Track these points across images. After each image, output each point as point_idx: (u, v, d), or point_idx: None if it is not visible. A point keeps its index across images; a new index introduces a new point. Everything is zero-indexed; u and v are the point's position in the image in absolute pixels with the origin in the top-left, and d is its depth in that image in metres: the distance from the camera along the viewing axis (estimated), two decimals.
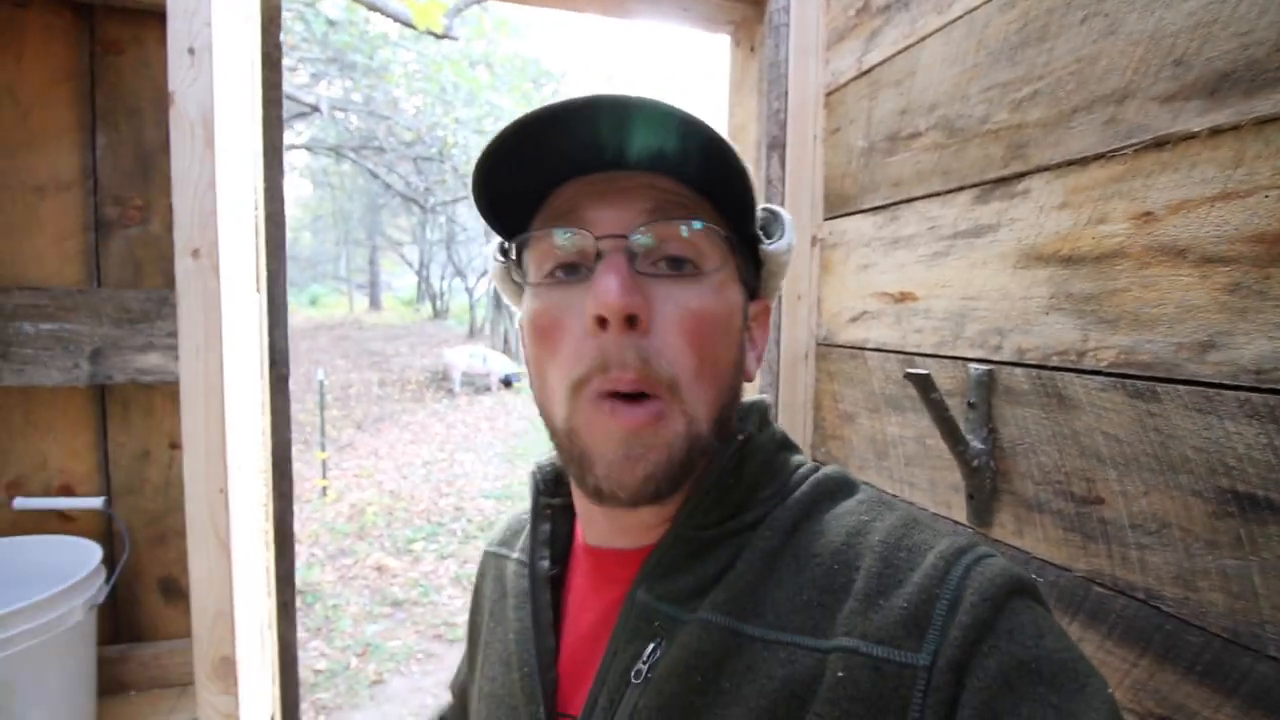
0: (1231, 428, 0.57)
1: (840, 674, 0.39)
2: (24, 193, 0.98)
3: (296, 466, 1.19)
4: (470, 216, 15.75)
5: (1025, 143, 0.77)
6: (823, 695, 0.39)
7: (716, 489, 0.48)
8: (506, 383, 11.69)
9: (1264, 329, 0.55)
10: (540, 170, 0.46)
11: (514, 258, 0.53)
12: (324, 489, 6.39)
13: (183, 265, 0.87)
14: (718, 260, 0.48)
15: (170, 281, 1.05)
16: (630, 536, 0.51)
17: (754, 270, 0.54)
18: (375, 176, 11.25)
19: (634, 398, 0.44)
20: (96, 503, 0.99)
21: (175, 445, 1.07)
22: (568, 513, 0.59)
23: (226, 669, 0.93)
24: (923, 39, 0.94)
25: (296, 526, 1.19)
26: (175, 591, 1.08)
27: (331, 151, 10.40)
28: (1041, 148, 0.75)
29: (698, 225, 0.46)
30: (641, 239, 0.45)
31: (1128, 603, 0.66)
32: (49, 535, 0.99)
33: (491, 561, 0.66)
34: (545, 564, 0.56)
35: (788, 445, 0.55)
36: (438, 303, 20.50)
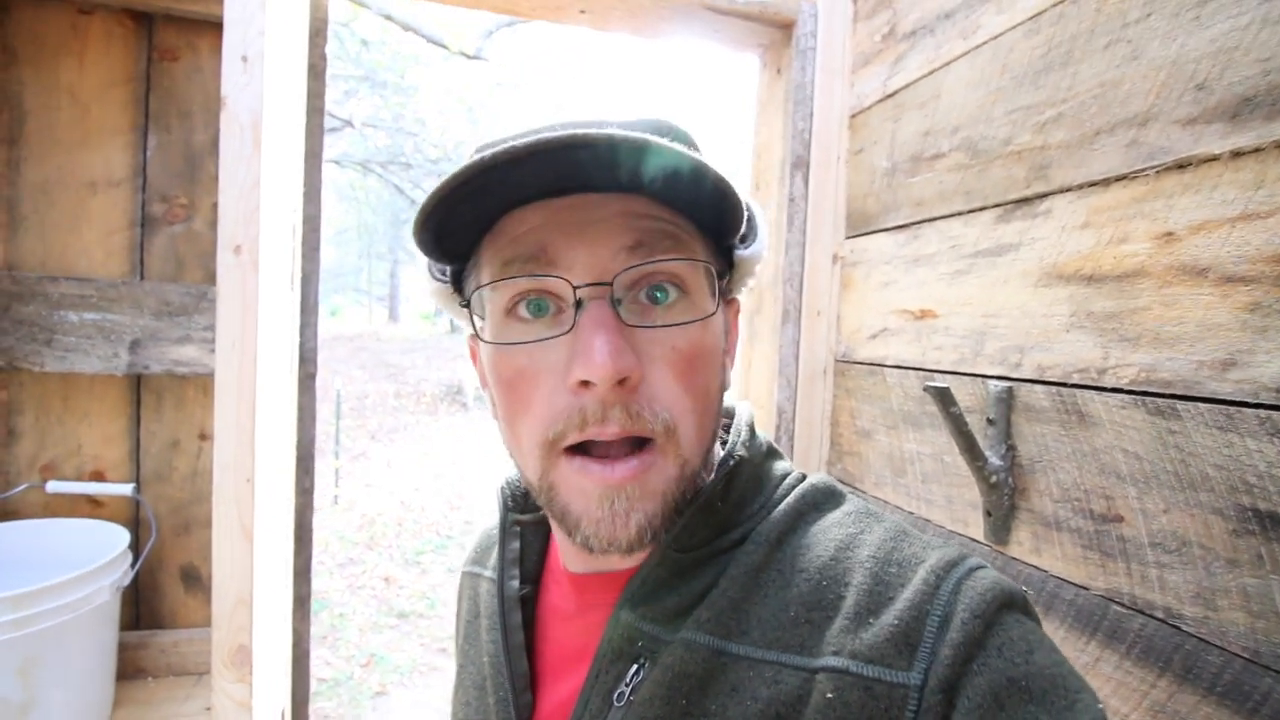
0: (1253, 445, 0.57)
1: (830, 695, 0.38)
2: (77, 188, 1.03)
3: None
4: None
5: (1048, 164, 0.79)
6: (810, 716, 0.38)
7: (705, 511, 0.46)
8: None
9: None
10: (494, 198, 0.42)
11: (453, 281, 0.50)
12: (336, 497, 6.43)
13: (224, 260, 0.91)
14: (702, 289, 0.45)
15: (209, 277, 1.08)
16: (612, 560, 0.49)
17: (726, 274, 0.51)
18: (400, 191, 11.49)
19: (618, 447, 0.42)
20: (126, 489, 1.02)
21: (204, 436, 1.09)
22: (539, 528, 0.57)
23: (243, 657, 0.94)
24: (948, 63, 0.96)
25: None
26: (196, 581, 1.10)
27: (359, 166, 10.65)
28: (1064, 168, 0.77)
29: (684, 263, 0.43)
30: (623, 285, 0.42)
31: (1146, 621, 0.66)
32: (79, 519, 1.02)
33: (467, 581, 0.64)
34: (515, 584, 0.54)
35: (773, 453, 0.54)
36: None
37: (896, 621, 0.39)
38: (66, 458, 1.05)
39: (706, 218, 0.45)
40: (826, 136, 1.16)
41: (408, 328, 20.96)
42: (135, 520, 1.06)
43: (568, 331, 0.41)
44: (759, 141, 1.27)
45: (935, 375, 0.95)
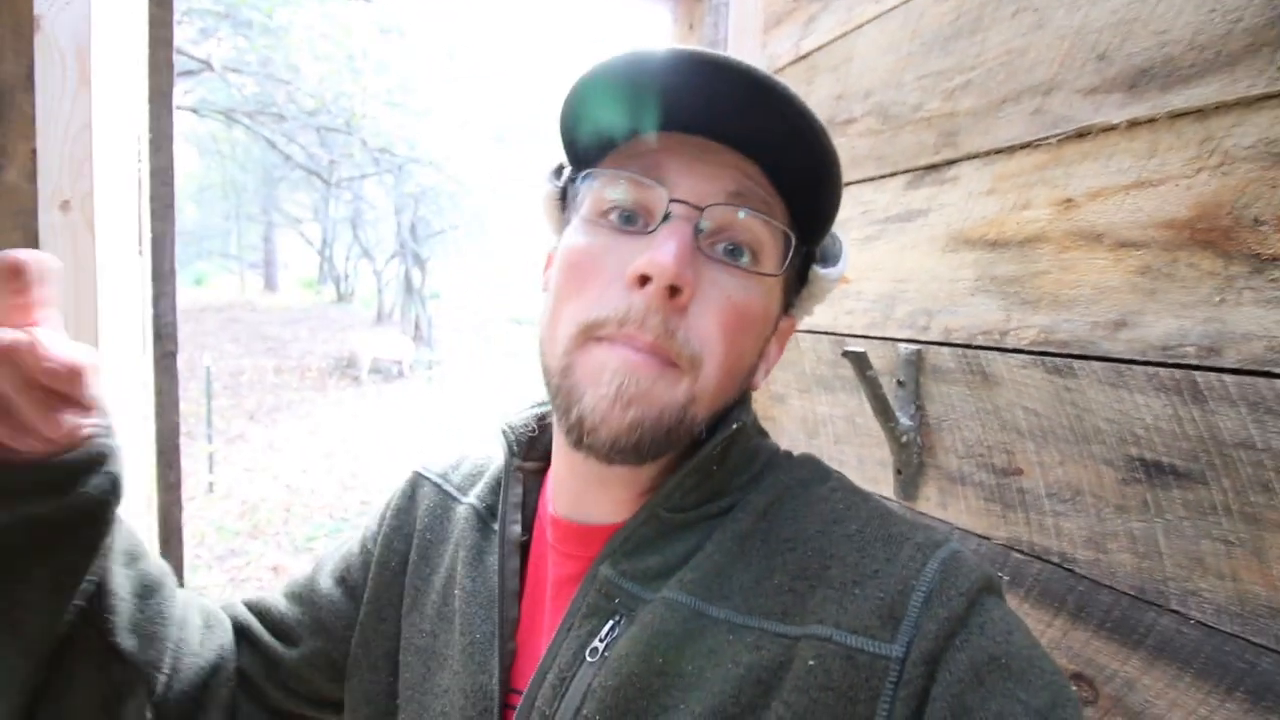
0: (1140, 400, 0.61)
1: (811, 662, 0.39)
2: None
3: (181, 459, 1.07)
4: (379, 194, 14.95)
5: (956, 130, 0.80)
6: (791, 683, 0.39)
7: (698, 473, 0.46)
8: None
9: (1171, 308, 0.59)
10: (631, 110, 0.45)
11: (565, 184, 0.52)
12: (211, 484, 5.90)
13: (48, 218, 0.76)
14: (774, 263, 0.47)
15: (29, 239, 0.90)
16: (601, 509, 0.49)
17: (797, 287, 0.53)
18: (273, 146, 10.41)
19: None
20: None
21: None
22: (537, 478, 0.56)
23: None
24: (859, 26, 0.95)
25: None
26: None
27: (222, 115, 9.53)
28: (972, 135, 0.78)
29: (772, 224, 0.45)
30: (710, 220, 0.44)
31: (1043, 567, 0.71)
32: None
33: (430, 491, 0.61)
34: (517, 529, 0.53)
35: (761, 431, 0.55)
36: (342, 285, 19.37)
37: (882, 595, 0.39)
38: None
39: (802, 211, 0.48)
40: None
41: (288, 296, 19.37)
42: None
43: (649, 232, 0.44)
44: None
45: (848, 339, 0.97)
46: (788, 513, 0.46)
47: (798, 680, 0.38)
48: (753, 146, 0.45)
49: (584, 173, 0.49)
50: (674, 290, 0.41)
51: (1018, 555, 0.74)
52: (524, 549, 0.54)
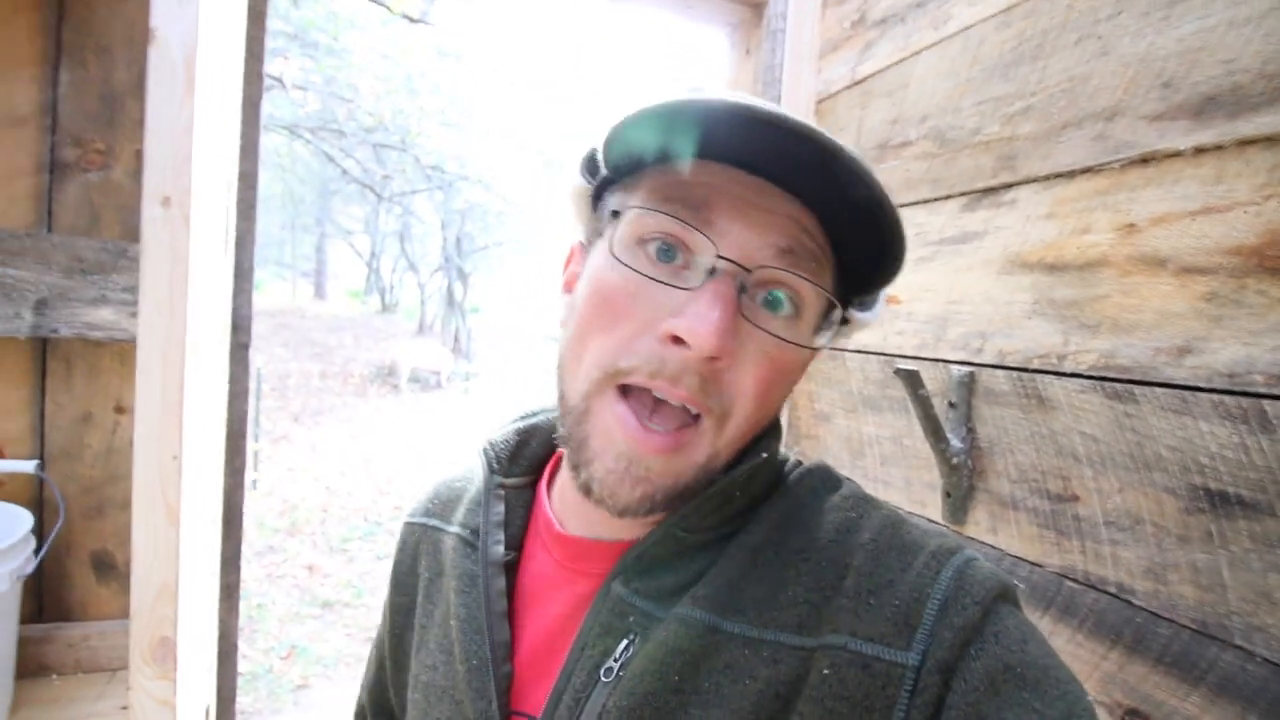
0: (1205, 428, 0.60)
1: (826, 671, 0.38)
2: None
3: None
4: (428, 209, 15.40)
5: (1015, 154, 0.81)
6: (807, 694, 0.38)
7: (719, 497, 0.45)
8: None
9: (1238, 335, 0.59)
10: (687, 139, 0.42)
11: (596, 191, 0.49)
12: (254, 481, 6.09)
13: (150, 212, 0.82)
14: (815, 317, 0.45)
15: (128, 233, 0.98)
16: (613, 528, 0.48)
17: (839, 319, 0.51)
18: (331, 160, 10.88)
19: (668, 411, 0.42)
20: (28, 466, 0.91)
21: (121, 409, 0.99)
22: (522, 493, 0.55)
23: (165, 651, 0.86)
24: (917, 52, 0.97)
25: None
26: (110, 569, 1.00)
27: (286, 130, 10.01)
28: (1031, 160, 0.79)
29: (814, 288, 0.43)
30: (756, 278, 0.42)
31: (1099, 597, 0.69)
32: None
33: (420, 535, 0.60)
34: (499, 549, 0.52)
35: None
36: (387, 296, 19.93)
37: (897, 603, 0.39)
38: None
39: (854, 261, 0.46)
40: None
41: (335, 305, 20.01)
42: (39, 501, 0.95)
43: (692, 288, 0.41)
44: None
45: (897, 360, 0.97)
46: (800, 523, 0.45)
47: (813, 690, 0.38)
48: (809, 193, 0.42)
49: (622, 199, 0.46)
50: (713, 359, 0.40)
51: (1071, 584, 0.72)
52: (511, 567, 0.52)
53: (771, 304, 0.43)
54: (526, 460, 0.57)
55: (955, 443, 0.84)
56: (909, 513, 0.94)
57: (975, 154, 0.86)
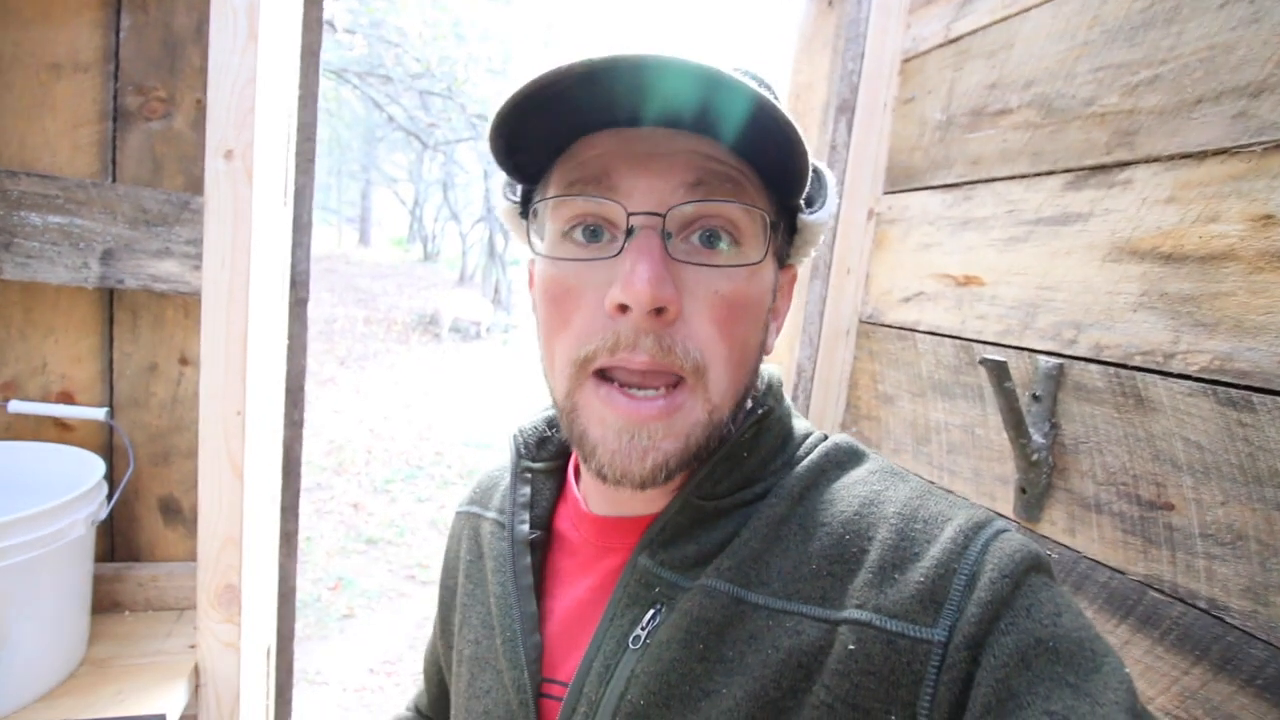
0: None
1: (851, 646, 0.38)
2: (37, 70, 0.89)
3: None
4: (471, 159, 15.31)
5: (1135, 129, 0.73)
6: (831, 667, 0.38)
7: (729, 460, 0.46)
8: None
9: None
10: (567, 119, 0.42)
11: (522, 202, 0.50)
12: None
13: (213, 166, 0.81)
14: (756, 239, 0.44)
15: (190, 184, 0.97)
16: (635, 505, 0.50)
17: (788, 237, 0.50)
18: (377, 106, 10.82)
19: (650, 378, 0.42)
20: (99, 413, 0.93)
21: (185, 361, 1.01)
22: (550, 477, 0.58)
23: (230, 597, 0.89)
24: (1026, 10, 0.88)
25: None
26: (176, 514, 1.03)
27: (334, 75, 9.97)
28: (1154, 136, 0.71)
29: (740, 207, 0.42)
30: (676, 220, 0.42)
31: (1186, 610, 0.65)
32: (46, 443, 0.93)
33: (465, 522, 0.64)
34: (525, 527, 0.54)
35: (796, 414, 0.55)
36: (429, 245, 20.10)
37: (922, 578, 0.38)
38: (30, 376, 0.95)
39: (773, 171, 0.44)
40: (876, 81, 1.08)
41: (379, 252, 20.28)
42: (108, 447, 0.98)
43: (615, 255, 0.41)
44: (799, 81, 1.18)
45: (975, 345, 0.92)
46: (824, 496, 0.45)
47: (839, 664, 0.38)
48: (701, 123, 0.41)
49: (537, 199, 0.47)
50: (658, 310, 0.40)
51: (1155, 594, 0.68)
52: (540, 545, 0.54)
53: (710, 239, 0.43)
54: (555, 444, 0.59)
55: (1037, 438, 0.79)
56: (981, 505, 0.91)
57: (1087, 127, 0.79)
